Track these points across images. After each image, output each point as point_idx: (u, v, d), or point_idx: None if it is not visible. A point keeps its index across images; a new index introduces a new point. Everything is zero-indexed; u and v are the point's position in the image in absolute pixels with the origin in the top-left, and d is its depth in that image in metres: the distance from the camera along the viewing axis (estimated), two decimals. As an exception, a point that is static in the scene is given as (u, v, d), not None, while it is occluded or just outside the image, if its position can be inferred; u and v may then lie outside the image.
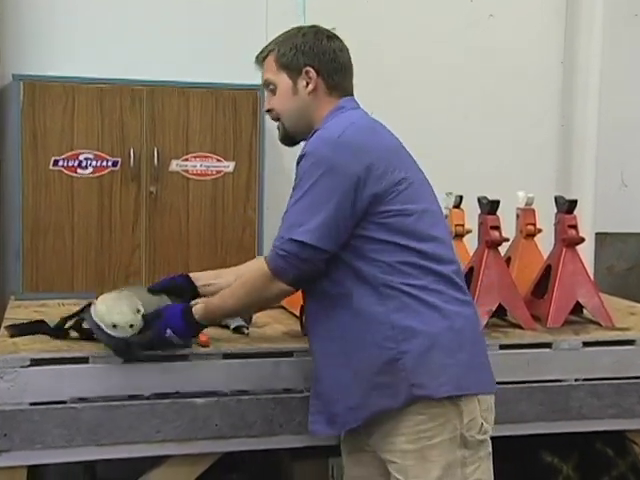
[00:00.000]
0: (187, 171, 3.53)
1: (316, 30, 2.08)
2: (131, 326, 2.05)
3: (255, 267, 1.99)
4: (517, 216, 2.92)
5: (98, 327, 2.08)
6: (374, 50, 3.88)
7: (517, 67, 4.48)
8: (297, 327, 2.47)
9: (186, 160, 3.54)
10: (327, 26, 2.18)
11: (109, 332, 2.05)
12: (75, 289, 3.35)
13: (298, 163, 1.93)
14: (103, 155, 3.43)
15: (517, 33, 4.53)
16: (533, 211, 2.88)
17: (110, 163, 3.44)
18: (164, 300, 2.21)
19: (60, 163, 3.40)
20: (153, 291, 2.25)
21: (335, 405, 1.95)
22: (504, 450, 2.16)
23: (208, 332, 2.36)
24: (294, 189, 1.92)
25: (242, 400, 2.22)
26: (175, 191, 3.49)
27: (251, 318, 2.54)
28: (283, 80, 2.03)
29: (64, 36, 3.84)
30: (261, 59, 2.10)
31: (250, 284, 1.98)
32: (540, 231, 2.89)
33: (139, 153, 3.45)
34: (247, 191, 3.62)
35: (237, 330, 2.44)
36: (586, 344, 2.49)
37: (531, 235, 2.88)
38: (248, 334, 2.43)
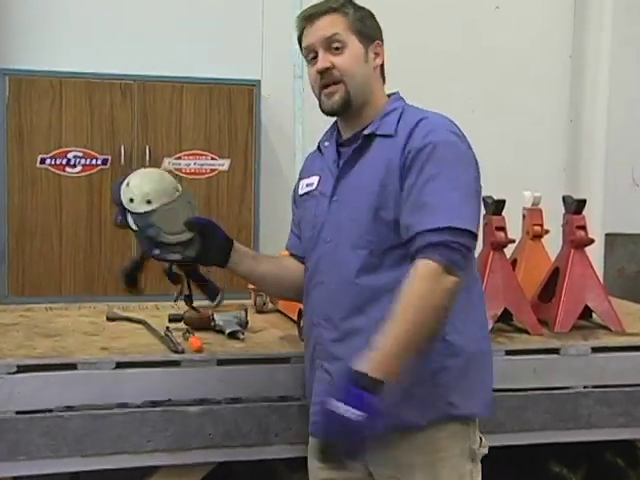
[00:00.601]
0: (180, 169, 3.54)
1: None
2: (131, 200, 1.98)
3: (417, 275, 1.73)
4: (523, 216, 2.92)
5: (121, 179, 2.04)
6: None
7: (523, 62, 4.49)
8: (294, 332, 2.47)
9: (179, 158, 3.54)
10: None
11: (122, 187, 2.00)
12: (63, 293, 3.35)
13: (420, 150, 1.82)
14: (92, 153, 3.44)
15: (524, 27, 4.54)
16: (540, 211, 2.87)
17: (100, 161, 3.45)
18: (186, 235, 2.03)
19: (47, 161, 3.41)
20: (190, 225, 2.02)
21: None
22: (510, 460, 2.16)
23: (201, 337, 2.35)
24: (432, 178, 1.79)
25: (236, 408, 2.21)
26: (167, 190, 3.49)
27: (247, 323, 2.54)
28: (355, 43, 1.92)
29: (52, 29, 3.84)
30: (319, 13, 1.93)
31: (423, 290, 1.71)
32: (547, 232, 2.89)
33: (130, 151, 3.45)
34: (242, 191, 3.63)
35: (232, 335, 2.43)
36: (595, 350, 2.48)
37: (538, 236, 2.87)
38: (243, 339, 2.42)
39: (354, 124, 1.95)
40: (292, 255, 2.12)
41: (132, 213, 1.99)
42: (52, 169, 3.38)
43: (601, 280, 2.83)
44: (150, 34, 3.89)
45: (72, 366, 2.16)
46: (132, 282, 2.10)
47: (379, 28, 1.99)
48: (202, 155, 3.55)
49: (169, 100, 3.51)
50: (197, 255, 2.02)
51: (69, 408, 2.12)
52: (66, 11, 3.83)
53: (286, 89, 4.09)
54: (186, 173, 3.53)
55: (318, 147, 2.08)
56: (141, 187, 1.99)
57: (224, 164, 3.59)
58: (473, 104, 4.34)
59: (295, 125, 4.09)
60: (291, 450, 2.25)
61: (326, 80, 1.92)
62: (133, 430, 2.14)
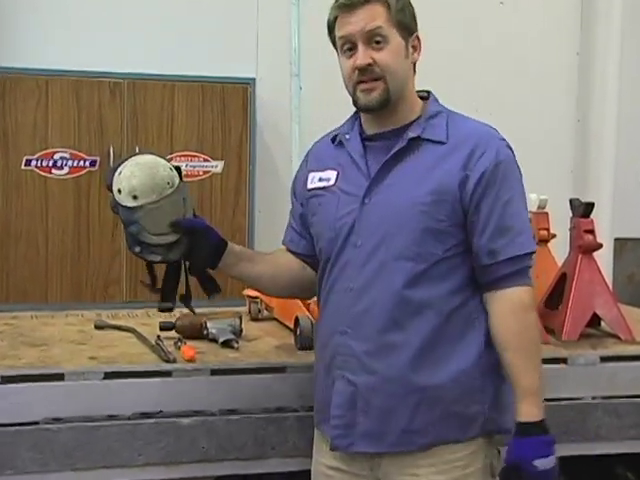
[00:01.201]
0: (171, 171, 3.53)
1: None
2: (119, 191, 1.93)
3: (525, 305, 1.85)
4: (529, 220, 2.92)
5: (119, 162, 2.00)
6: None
7: (528, 59, 4.50)
8: (290, 340, 2.48)
9: (170, 160, 3.54)
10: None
11: (115, 173, 1.95)
12: (49, 300, 3.36)
13: (494, 170, 1.85)
14: (80, 154, 3.44)
15: (528, 22, 4.55)
16: (546, 215, 2.88)
17: (87, 163, 3.45)
18: (171, 237, 1.98)
19: (33, 163, 3.41)
20: (176, 227, 1.96)
21: (386, 424, 1.87)
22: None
23: (194, 346, 2.36)
24: (511, 199, 1.87)
25: (231, 420, 2.22)
26: (158, 193, 3.50)
27: (241, 331, 2.54)
28: (396, 37, 1.87)
29: (38, 25, 3.84)
30: (360, 2, 1.84)
31: (534, 319, 1.87)
32: (554, 236, 2.90)
33: (119, 152, 3.46)
34: (236, 193, 3.64)
35: (226, 344, 2.44)
36: (604, 359, 2.49)
37: (544, 241, 2.88)
38: (238, 348, 2.43)
39: (385, 121, 1.91)
40: (289, 251, 2.10)
41: (118, 204, 1.95)
42: (38, 171, 3.39)
43: (610, 286, 2.84)
44: (141, 31, 3.90)
45: (59, 377, 2.16)
46: (171, 300, 2.01)
47: (415, 20, 1.92)
48: (194, 156, 3.56)
49: (160, 99, 3.52)
50: (183, 257, 1.97)
51: (56, 420, 2.12)
52: (52, 7, 3.84)
53: (282, 88, 4.10)
54: (178, 175, 3.54)
55: (334, 138, 2.00)
56: (130, 179, 1.92)
57: (217, 166, 3.60)
58: (476, 103, 4.35)
59: (292, 125, 4.10)
60: (288, 463, 2.25)
61: (365, 77, 1.86)
62: (124, 443, 2.14)
